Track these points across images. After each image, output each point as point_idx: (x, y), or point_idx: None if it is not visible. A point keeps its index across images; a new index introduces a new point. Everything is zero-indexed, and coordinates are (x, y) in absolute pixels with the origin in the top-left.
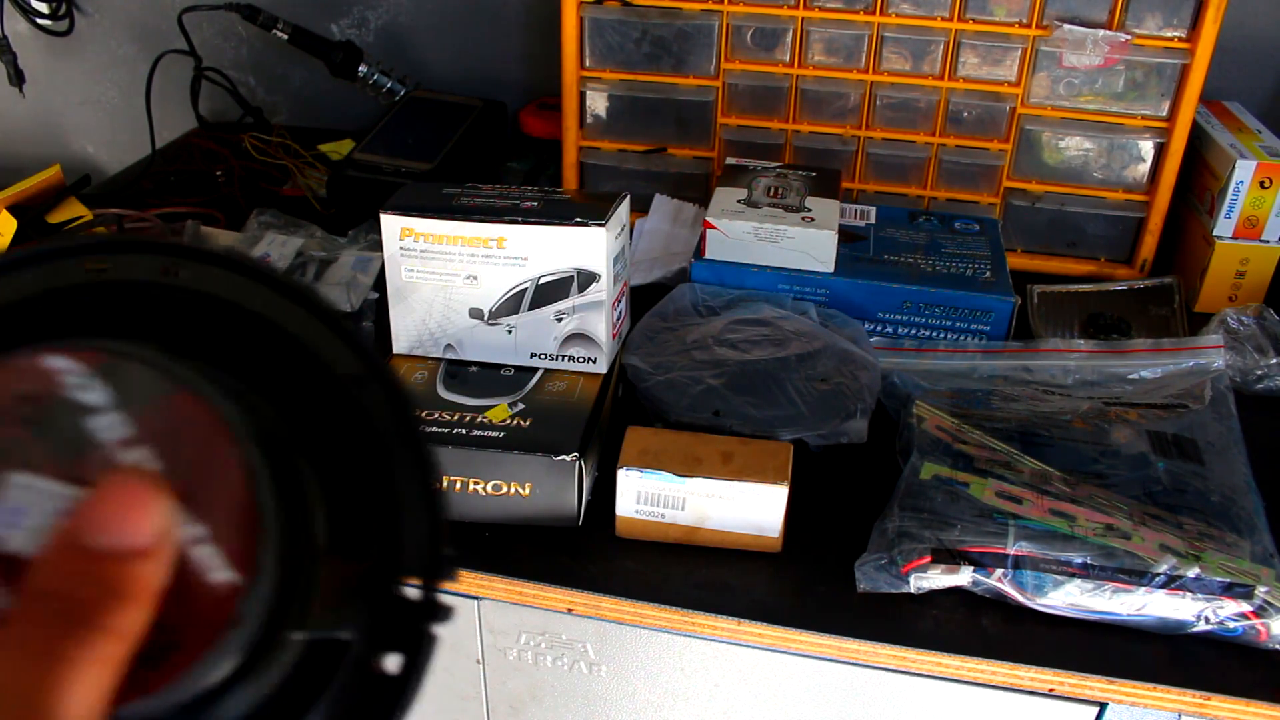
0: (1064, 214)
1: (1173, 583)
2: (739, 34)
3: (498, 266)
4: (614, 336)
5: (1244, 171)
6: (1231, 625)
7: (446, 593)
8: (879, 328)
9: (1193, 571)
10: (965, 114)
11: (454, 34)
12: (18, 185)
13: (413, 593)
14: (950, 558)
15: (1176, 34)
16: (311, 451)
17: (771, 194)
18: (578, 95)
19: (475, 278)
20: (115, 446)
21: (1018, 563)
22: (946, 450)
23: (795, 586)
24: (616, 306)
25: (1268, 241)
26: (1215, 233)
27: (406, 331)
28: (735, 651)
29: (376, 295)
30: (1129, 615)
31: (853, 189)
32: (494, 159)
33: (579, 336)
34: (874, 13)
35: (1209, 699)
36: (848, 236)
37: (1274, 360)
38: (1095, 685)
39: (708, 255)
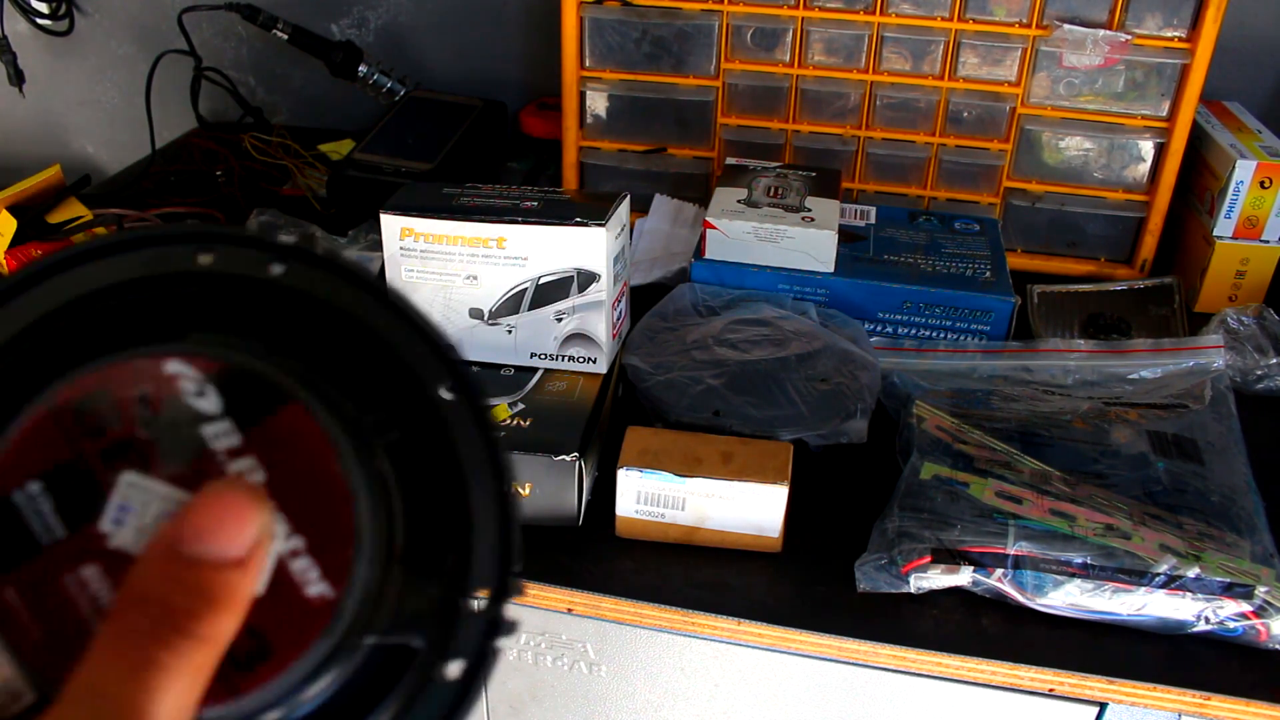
0: (1064, 214)
1: (1173, 583)
2: (739, 34)
3: (498, 266)
4: (614, 336)
5: (1244, 171)
6: (1231, 625)
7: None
8: (879, 328)
9: (1193, 571)
10: (965, 114)
11: (454, 34)
12: (18, 185)
13: (481, 605)
14: (950, 558)
15: (1176, 34)
16: (396, 460)
17: (771, 194)
18: (578, 95)
19: (475, 278)
20: (224, 455)
21: (1018, 563)
22: (946, 450)
23: (795, 586)
24: (616, 306)
25: (1268, 241)
26: (1215, 233)
27: None
28: (735, 651)
29: None
30: (1129, 615)
31: (853, 189)
32: (494, 159)
33: (579, 336)
34: (874, 13)
35: (1209, 699)
36: (848, 236)
37: (1274, 360)
38: (1095, 685)
39: (708, 255)
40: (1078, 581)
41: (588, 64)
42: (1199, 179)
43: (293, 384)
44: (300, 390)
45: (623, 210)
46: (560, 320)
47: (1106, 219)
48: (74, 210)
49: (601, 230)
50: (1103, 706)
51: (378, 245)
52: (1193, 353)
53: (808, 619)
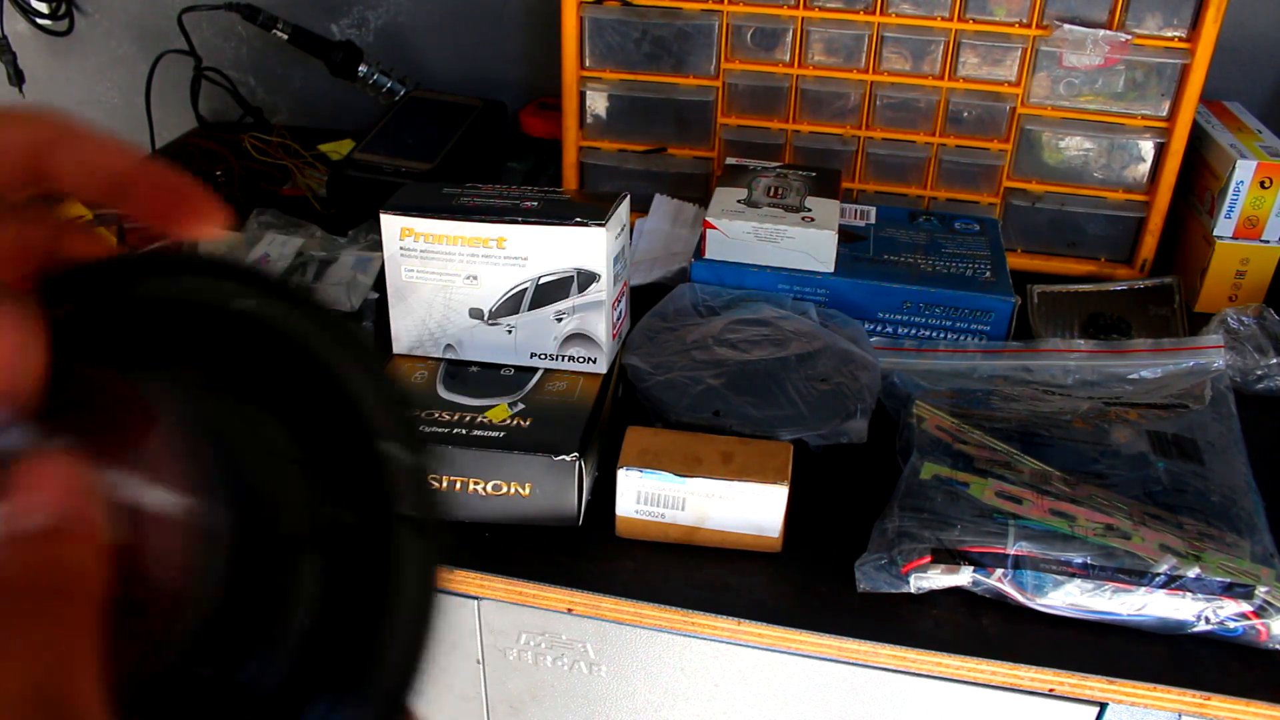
0: (1064, 214)
1: (1173, 583)
2: (739, 34)
3: (498, 266)
4: (614, 336)
5: (1244, 171)
6: (1231, 625)
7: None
8: (879, 328)
9: (1193, 571)
10: (965, 114)
11: (454, 34)
12: None
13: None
14: (950, 558)
15: (1176, 34)
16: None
17: (771, 194)
18: (578, 95)
19: (475, 278)
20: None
21: (1018, 563)
22: (946, 450)
23: (795, 586)
24: (616, 306)
25: (1268, 241)
26: (1215, 233)
27: (406, 331)
28: (735, 651)
29: (376, 295)
30: (1129, 615)
31: (853, 189)
32: (494, 159)
33: (579, 336)
34: (874, 13)
35: (1209, 699)
36: (848, 236)
37: (1274, 360)
38: (1095, 685)
39: (708, 255)
40: (1078, 581)
41: (588, 64)
42: (1199, 179)
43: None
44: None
45: (623, 210)
46: (560, 320)
47: (1106, 219)
48: (74, 210)
49: (601, 230)
50: (1103, 706)
51: (378, 245)
52: (1193, 353)
53: (808, 619)
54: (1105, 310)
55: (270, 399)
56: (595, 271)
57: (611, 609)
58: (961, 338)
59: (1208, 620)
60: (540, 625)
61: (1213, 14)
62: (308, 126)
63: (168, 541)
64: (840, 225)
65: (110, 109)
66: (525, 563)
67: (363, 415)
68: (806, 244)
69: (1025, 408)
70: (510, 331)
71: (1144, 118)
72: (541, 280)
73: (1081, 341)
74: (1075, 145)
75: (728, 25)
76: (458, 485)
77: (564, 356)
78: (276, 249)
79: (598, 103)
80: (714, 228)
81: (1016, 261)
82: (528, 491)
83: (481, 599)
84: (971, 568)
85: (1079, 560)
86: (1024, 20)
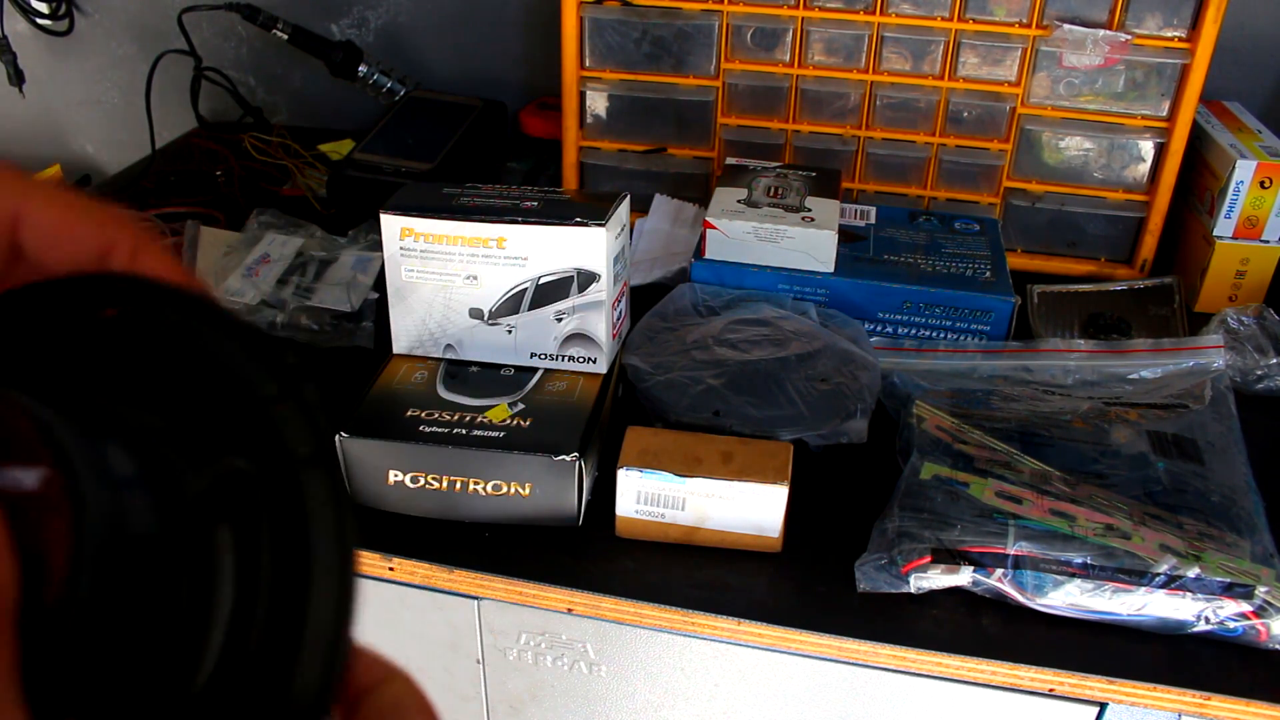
0: (1064, 214)
1: (1173, 583)
2: (739, 34)
3: (498, 266)
4: (614, 336)
5: (1244, 171)
6: (1231, 625)
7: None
8: (879, 328)
9: (1193, 571)
10: (965, 114)
11: (454, 34)
12: None
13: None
14: (950, 558)
15: (1176, 34)
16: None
17: (771, 194)
18: (578, 95)
19: (475, 278)
20: None
21: (1018, 563)
22: (946, 450)
23: (795, 586)
24: (616, 306)
25: (1268, 241)
26: (1215, 233)
27: (406, 331)
28: (735, 651)
29: (376, 295)
30: (1129, 615)
31: (853, 189)
32: (494, 159)
33: (579, 336)
34: (874, 13)
35: (1209, 699)
36: (848, 236)
37: (1274, 360)
38: (1095, 685)
39: (708, 255)
40: (1078, 581)
41: (588, 64)
42: (1199, 179)
43: None
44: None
45: (623, 210)
46: (560, 320)
47: (1106, 219)
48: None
49: (601, 230)
50: (1103, 706)
51: (378, 245)
52: (1193, 353)
53: (808, 619)
54: (1105, 310)
55: (133, 383)
56: (595, 271)
57: (611, 609)
58: (961, 338)
59: (1208, 620)
60: (540, 625)
61: (1213, 14)
62: (308, 126)
63: (53, 529)
64: (840, 225)
65: (110, 109)
66: (525, 563)
67: (232, 369)
68: (806, 244)
69: (1025, 408)
70: (510, 331)
71: (1144, 118)
72: (541, 280)
73: (1081, 341)
74: (1075, 145)
75: (728, 25)
76: (458, 485)
77: (564, 356)
78: (276, 249)
79: (598, 103)
80: (714, 228)
81: (1016, 261)
82: (528, 491)
83: (481, 599)
84: (971, 568)
85: (1079, 560)
86: (1024, 20)
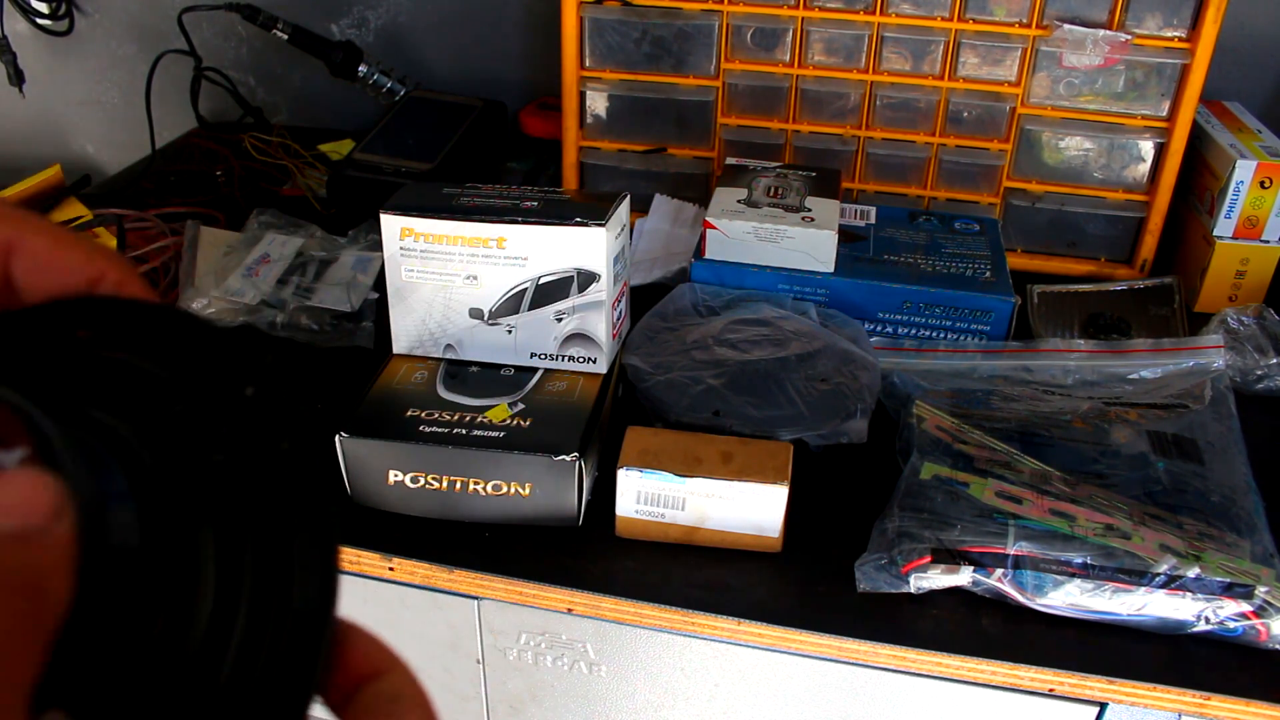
0: (1064, 214)
1: (1173, 583)
2: (739, 34)
3: (498, 266)
4: (614, 336)
5: (1244, 171)
6: (1231, 625)
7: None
8: (879, 328)
9: (1193, 571)
10: (965, 114)
11: (454, 34)
12: (18, 185)
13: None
14: (950, 558)
15: (1176, 34)
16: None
17: (771, 194)
18: (578, 95)
19: (475, 278)
20: None
21: (1018, 563)
22: (946, 450)
23: (795, 586)
24: (616, 306)
25: (1268, 241)
26: (1215, 233)
27: (406, 331)
28: (735, 651)
29: (376, 295)
30: (1129, 615)
31: (853, 189)
32: (494, 159)
33: (579, 336)
34: (874, 13)
35: (1209, 699)
36: (848, 236)
37: (1274, 360)
38: (1095, 685)
39: (708, 255)
40: (1078, 581)
41: (588, 64)
42: (1199, 179)
43: None
44: None
45: (623, 210)
46: (560, 320)
47: (1106, 219)
48: (74, 210)
49: (601, 230)
50: (1103, 706)
51: (378, 245)
52: (1193, 353)
53: (808, 619)
54: (1105, 310)
55: (115, 391)
56: (595, 271)
57: (611, 609)
58: (961, 338)
59: (1208, 620)
60: (540, 625)
61: (1213, 14)
62: (308, 126)
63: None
64: (840, 225)
65: (110, 109)
66: (525, 563)
67: (210, 373)
68: (806, 244)
69: (1025, 408)
70: (510, 331)
71: (1144, 118)
72: (541, 280)
73: (1081, 341)
74: (1075, 145)
75: (728, 25)
76: (458, 485)
77: (564, 356)
78: (276, 249)
79: (598, 103)
80: (714, 228)
81: (1016, 261)
82: (528, 491)
83: (481, 599)
84: (971, 568)
85: (1079, 560)
86: (1024, 20)
